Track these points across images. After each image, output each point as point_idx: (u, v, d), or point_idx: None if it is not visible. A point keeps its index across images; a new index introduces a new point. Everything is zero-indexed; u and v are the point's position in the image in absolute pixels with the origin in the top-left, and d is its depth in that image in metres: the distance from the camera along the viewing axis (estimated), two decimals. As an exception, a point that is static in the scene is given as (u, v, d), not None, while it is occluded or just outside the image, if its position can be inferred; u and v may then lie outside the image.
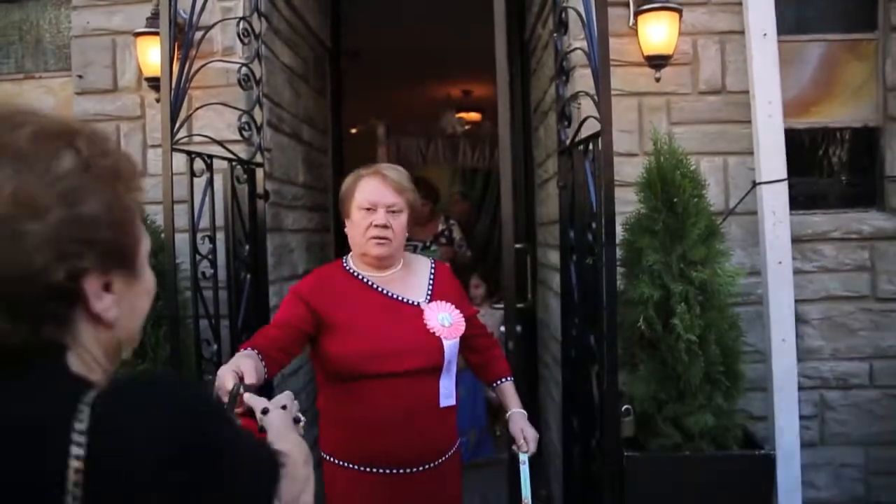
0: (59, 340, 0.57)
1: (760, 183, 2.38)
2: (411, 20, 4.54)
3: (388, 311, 1.61)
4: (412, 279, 1.69)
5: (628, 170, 2.39)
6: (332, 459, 1.63)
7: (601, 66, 1.91)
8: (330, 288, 1.62)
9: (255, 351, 1.43)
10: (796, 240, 2.44)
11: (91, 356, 0.60)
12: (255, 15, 2.58)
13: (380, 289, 1.64)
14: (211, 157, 2.21)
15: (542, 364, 3.38)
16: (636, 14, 2.37)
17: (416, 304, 1.64)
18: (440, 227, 3.92)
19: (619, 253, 2.11)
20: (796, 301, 2.40)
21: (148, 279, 0.66)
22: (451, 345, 1.61)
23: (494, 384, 1.78)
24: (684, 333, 1.95)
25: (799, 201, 2.57)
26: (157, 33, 2.27)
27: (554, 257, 2.75)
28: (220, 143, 2.31)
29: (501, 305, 2.59)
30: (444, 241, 3.85)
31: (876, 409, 2.51)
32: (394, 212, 1.61)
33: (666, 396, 2.04)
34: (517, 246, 2.86)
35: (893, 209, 2.57)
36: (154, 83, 2.41)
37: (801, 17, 2.65)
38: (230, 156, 2.33)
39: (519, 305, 2.66)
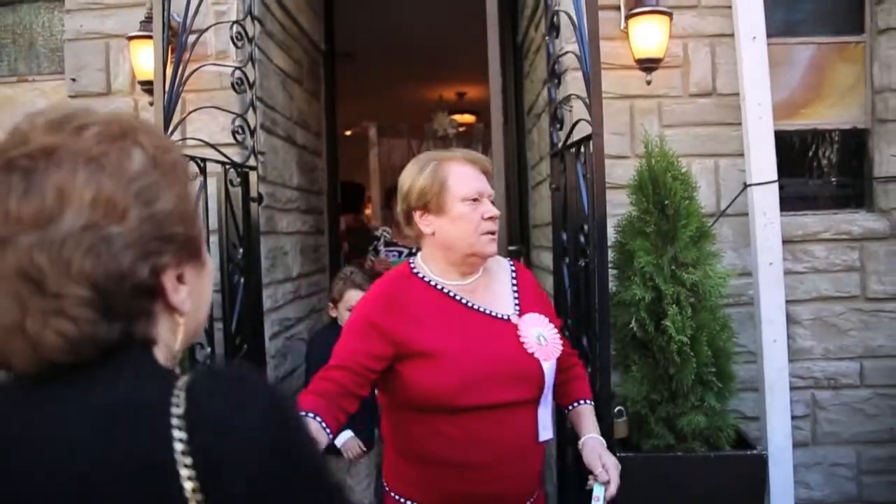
0: (149, 334, 0.58)
1: (751, 184, 2.40)
2: (406, 22, 4.56)
3: (479, 330, 1.34)
4: (495, 286, 1.42)
5: (620, 172, 2.41)
6: (402, 500, 1.37)
7: (592, 70, 1.92)
8: (407, 307, 1.32)
9: (316, 417, 1.21)
10: (787, 241, 2.47)
11: (167, 347, 0.61)
12: (249, 18, 2.58)
13: (465, 301, 1.36)
14: (205, 160, 2.22)
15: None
16: (627, 18, 2.39)
17: (506, 318, 1.37)
18: None
19: (611, 255, 2.12)
20: (787, 301, 2.42)
21: (210, 264, 0.67)
22: (549, 367, 1.35)
23: (569, 407, 1.49)
24: (676, 335, 1.97)
25: (789, 202, 2.59)
26: (150, 37, 2.27)
27: (547, 259, 2.76)
28: (213, 147, 2.31)
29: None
30: None
31: (867, 408, 2.53)
32: (493, 202, 1.39)
33: (658, 397, 2.06)
34: (511, 248, 2.88)
35: (882, 210, 2.59)
36: (147, 86, 2.41)
37: (789, 20, 2.68)
38: (224, 159, 2.33)
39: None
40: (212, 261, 0.68)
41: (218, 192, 2.32)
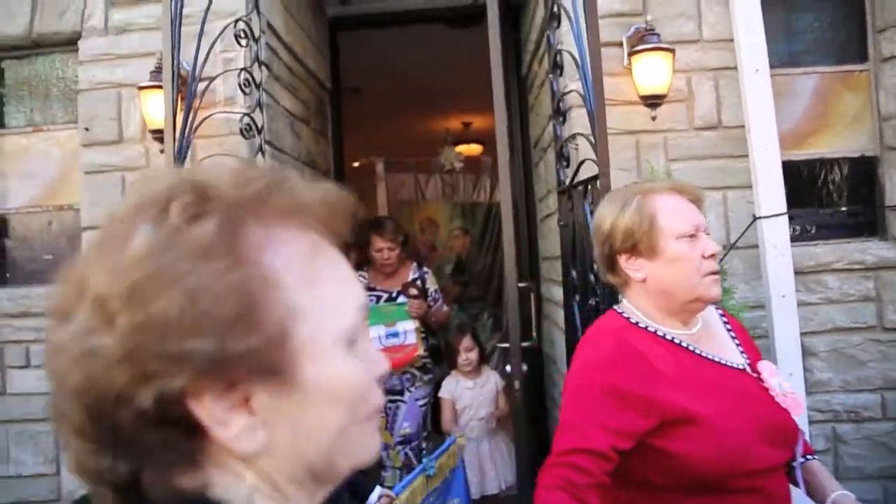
0: (175, 481, 0.43)
1: (760, 217, 2.39)
2: (410, 56, 4.63)
3: (728, 385, 1.14)
4: (716, 334, 1.24)
5: (628, 207, 2.40)
6: None
7: (597, 112, 1.93)
8: (651, 364, 1.11)
9: None
10: (799, 271, 2.44)
11: (266, 484, 0.44)
12: (256, 64, 2.63)
13: (701, 353, 1.17)
14: (214, 207, 2.24)
15: (549, 399, 3.36)
16: (629, 55, 2.41)
17: (742, 368, 1.18)
18: (411, 276, 3.14)
19: (621, 292, 2.11)
20: (802, 334, 2.39)
21: (328, 382, 0.44)
22: (799, 422, 1.19)
23: (797, 462, 1.27)
24: (690, 373, 1.94)
25: (800, 232, 2.57)
26: (160, 86, 2.32)
27: (558, 293, 2.75)
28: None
29: (505, 344, 2.58)
30: (416, 293, 3.02)
31: (890, 441, 2.48)
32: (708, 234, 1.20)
33: (674, 437, 2.02)
34: (521, 285, 2.87)
35: (895, 238, 2.57)
36: (158, 135, 2.46)
37: (792, 51, 2.69)
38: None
39: (524, 344, 2.65)
40: (351, 374, 0.45)
41: (228, 238, 2.34)
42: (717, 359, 1.16)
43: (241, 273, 0.41)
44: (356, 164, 6.59)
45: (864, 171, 2.65)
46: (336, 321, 0.45)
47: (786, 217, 2.38)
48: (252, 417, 0.42)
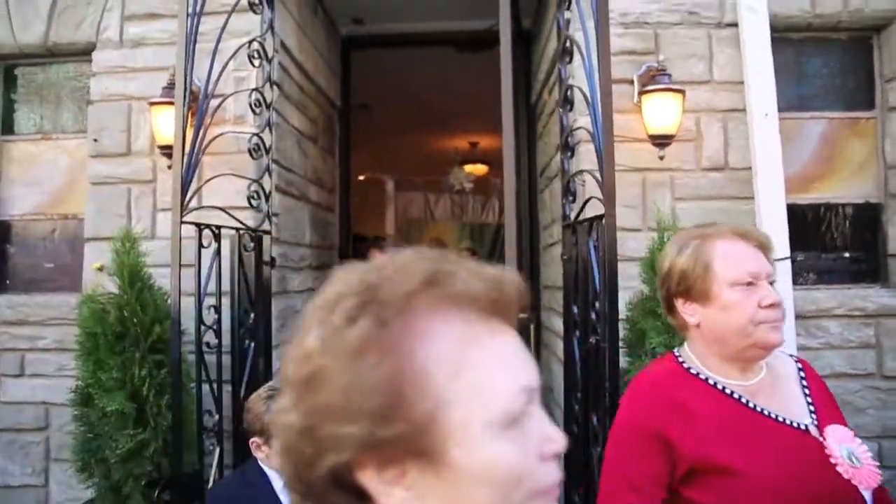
0: None
1: (764, 260, 2.39)
2: (419, 76, 4.66)
3: (777, 443, 1.07)
4: (783, 387, 1.16)
5: (633, 244, 2.41)
6: None
7: (605, 151, 1.94)
8: (692, 412, 1.08)
9: None
10: (800, 316, 2.44)
11: None
12: (268, 84, 2.64)
13: (754, 406, 1.11)
14: (219, 227, 2.24)
15: (545, 429, 3.34)
16: (640, 93, 2.43)
17: (803, 428, 1.10)
18: None
19: (622, 330, 2.10)
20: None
21: (475, 466, 0.47)
22: (870, 499, 1.08)
23: None
24: (689, 417, 1.93)
25: (802, 276, 2.57)
26: (171, 103, 2.33)
27: (558, 323, 2.74)
28: (227, 212, 2.34)
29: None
30: None
31: (888, 491, 2.46)
32: (772, 283, 1.15)
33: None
34: (521, 316, 2.87)
35: (898, 286, 2.57)
36: (167, 151, 2.46)
37: (801, 94, 2.71)
38: (238, 225, 2.36)
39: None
40: (505, 457, 0.47)
41: (231, 256, 2.34)
42: (772, 415, 1.10)
43: (389, 368, 0.47)
44: (361, 178, 6.61)
45: (868, 217, 2.66)
46: (488, 407, 0.48)
47: (789, 262, 2.38)
48: (408, 492, 0.48)
